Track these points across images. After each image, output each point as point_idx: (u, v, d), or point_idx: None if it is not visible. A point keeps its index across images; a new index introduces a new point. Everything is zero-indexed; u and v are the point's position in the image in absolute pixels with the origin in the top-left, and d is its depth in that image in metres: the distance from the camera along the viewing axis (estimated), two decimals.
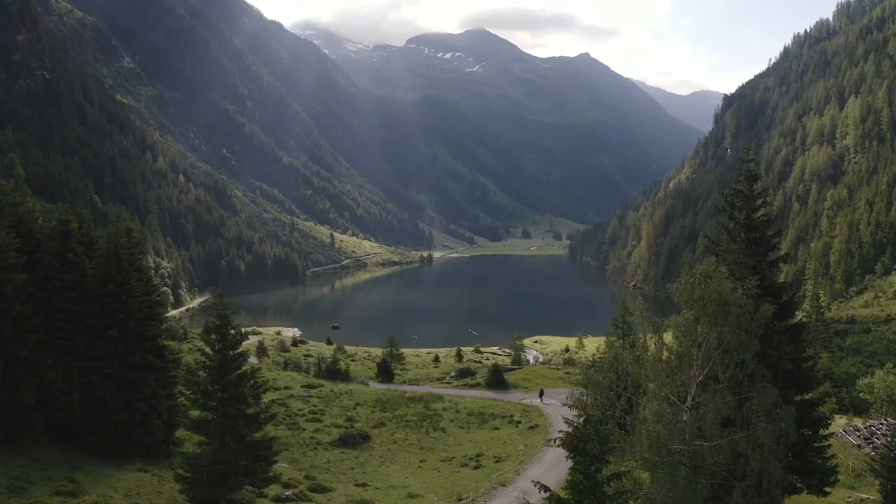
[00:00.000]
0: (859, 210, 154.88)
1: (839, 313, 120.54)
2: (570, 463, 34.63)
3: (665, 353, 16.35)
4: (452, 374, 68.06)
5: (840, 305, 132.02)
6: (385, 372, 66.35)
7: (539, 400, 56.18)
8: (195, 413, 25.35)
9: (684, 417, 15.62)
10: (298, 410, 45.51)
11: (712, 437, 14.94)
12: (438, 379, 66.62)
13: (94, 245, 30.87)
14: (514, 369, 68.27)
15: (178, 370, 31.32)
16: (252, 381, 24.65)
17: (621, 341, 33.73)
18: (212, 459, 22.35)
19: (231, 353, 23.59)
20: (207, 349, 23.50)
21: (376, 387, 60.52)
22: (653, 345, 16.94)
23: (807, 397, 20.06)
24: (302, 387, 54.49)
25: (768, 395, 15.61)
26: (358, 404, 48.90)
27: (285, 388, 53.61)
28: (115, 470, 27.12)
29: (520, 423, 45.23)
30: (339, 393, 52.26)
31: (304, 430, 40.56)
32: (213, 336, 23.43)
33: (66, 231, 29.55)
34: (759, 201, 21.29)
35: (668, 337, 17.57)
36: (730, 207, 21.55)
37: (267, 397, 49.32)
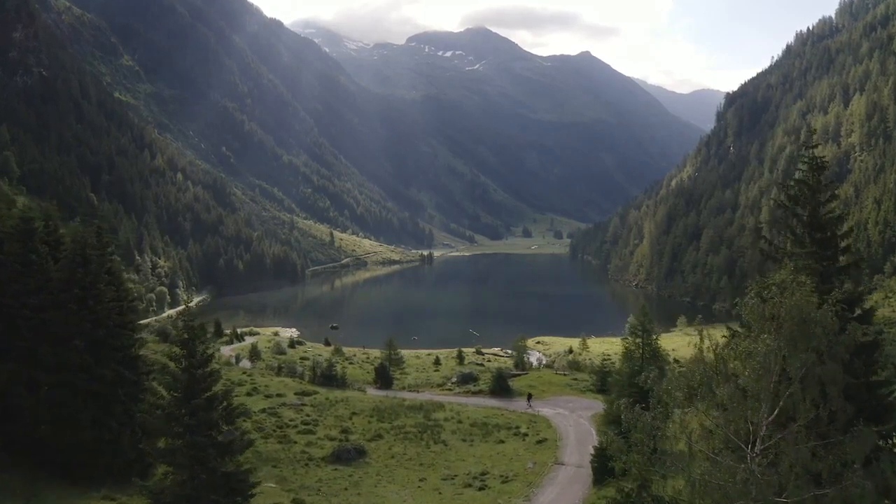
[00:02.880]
0: (867, 209, 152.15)
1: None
2: (583, 486, 32.06)
3: (729, 386, 13.40)
4: (454, 379, 65.08)
5: None
6: (383, 377, 63.52)
7: (528, 405, 53.91)
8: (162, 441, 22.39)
9: (752, 467, 12.71)
10: (290, 421, 42.60)
11: (794, 494, 11.97)
12: (439, 385, 63.59)
13: (62, 245, 28.18)
14: (519, 375, 65.29)
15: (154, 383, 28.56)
16: (224, 404, 21.80)
17: (641, 350, 31.04)
18: (177, 495, 19.61)
19: (200, 371, 20.76)
20: (173, 367, 20.69)
21: (374, 393, 57.60)
22: (717, 376, 13.93)
23: (877, 429, 17.11)
24: (295, 394, 51.63)
25: (865, 441, 12.65)
26: (354, 413, 46.01)
27: (278, 395, 50.74)
28: (77, 497, 24.36)
29: (527, 435, 42.17)
30: (334, 401, 49.40)
31: (295, 443, 37.66)
32: (180, 351, 20.64)
33: (29, 230, 26.83)
34: (827, 194, 18.31)
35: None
36: (791, 202, 18.55)
37: (258, 405, 46.71)
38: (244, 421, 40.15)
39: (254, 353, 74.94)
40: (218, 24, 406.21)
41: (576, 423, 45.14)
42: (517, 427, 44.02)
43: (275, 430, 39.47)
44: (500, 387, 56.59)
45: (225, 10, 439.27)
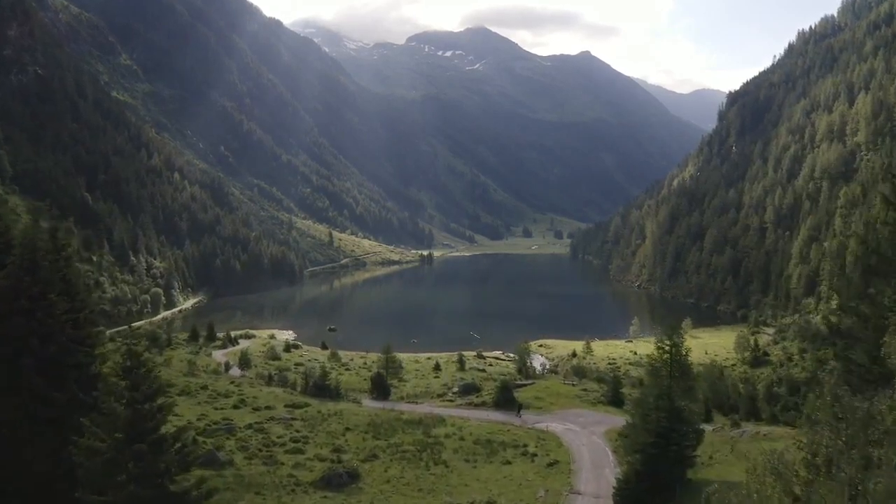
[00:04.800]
0: (875, 208, 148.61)
1: None
2: None
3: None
4: (455, 389, 61.57)
5: None
6: (380, 387, 60.03)
7: (518, 416, 50.71)
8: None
9: None
10: (278, 438, 38.94)
11: None
12: (440, 395, 60.08)
13: (12, 250, 24.79)
14: (525, 385, 61.57)
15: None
16: (178, 445, 18.38)
17: (668, 368, 27.74)
18: None
19: (147, 406, 17.30)
20: (112, 401, 17.11)
21: (370, 405, 54.13)
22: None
23: None
24: (285, 406, 48.17)
25: None
26: (347, 429, 42.44)
27: (266, 408, 47.26)
28: None
29: (535, 456, 38.44)
30: (326, 414, 45.92)
31: (282, 464, 34.07)
32: (122, 382, 17.19)
33: None
34: None
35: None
36: None
37: (244, 419, 43.47)
38: (227, 438, 37.00)
39: (244, 361, 71.35)
40: (217, 24, 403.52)
41: (589, 441, 41.57)
42: (524, 445, 40.32)
43: (260, 450, 35.98)
44: (505, 399, 52.96)
45: (224, 10, 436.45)
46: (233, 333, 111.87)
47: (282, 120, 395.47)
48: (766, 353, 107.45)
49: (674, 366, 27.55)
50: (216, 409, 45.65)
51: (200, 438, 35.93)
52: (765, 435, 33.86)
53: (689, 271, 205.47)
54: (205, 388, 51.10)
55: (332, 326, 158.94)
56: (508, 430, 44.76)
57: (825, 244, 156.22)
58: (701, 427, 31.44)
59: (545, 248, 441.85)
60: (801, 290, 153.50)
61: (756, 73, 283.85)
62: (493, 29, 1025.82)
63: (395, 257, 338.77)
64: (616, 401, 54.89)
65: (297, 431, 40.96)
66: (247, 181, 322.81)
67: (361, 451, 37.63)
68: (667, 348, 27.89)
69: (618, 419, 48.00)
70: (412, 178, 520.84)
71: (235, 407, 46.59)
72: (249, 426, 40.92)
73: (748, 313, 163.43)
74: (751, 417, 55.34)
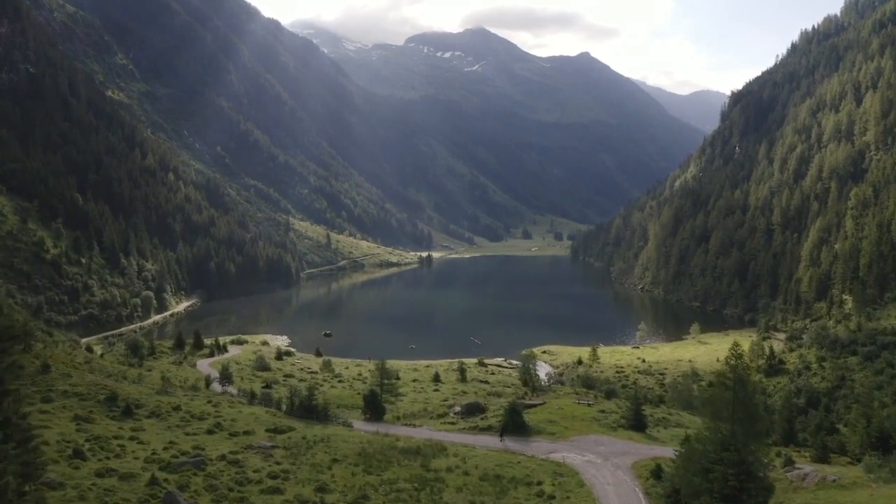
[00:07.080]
0: (888, 210, 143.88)
1: (881, 323, 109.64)
2: None
3: None
4: (457, 409, 56.05)
5: (877, 313, 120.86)
6: (373, 407, 54.56)
7: (501, 440, 46.34)
8: None
9: None
10: (255, 473, 33.39)
11: None
12: (440, 416, 54.62)
13: None
14: (534, 405, 55.58)
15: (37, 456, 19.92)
16: None
17: (731, 408, 22.60)
18: None
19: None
20: None
21: (362, 428, 48.65)
22: None
23: None
24: (267, 430, 42.72)
25: None
26: (335, 460, 36.96)
27: (245, 432, 41.73)
28: None
29: (553, 498, 33.01)
30: (312, 441, 40.51)
31: None
32: None
33: None
34: None
35: None
36: None
37: (217, 448, 38.25)
38: (194, 475, 31.84)
39: (225, 376, 65.65)
40: (215, 24, 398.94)
41: (614, 478, 35.92)
42: (539, 483, 34.73)
43: (231, 489, 30.65)
44: (514, 423, 47.37)
45: (223, 10, 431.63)
46: (222, 340, 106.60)
47: (280, 121, 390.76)
48: (781, 361, 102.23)
49: (738, 406, 22.42)
50: (188, 434, 40.27)
51: (162, 475, 30.78)
52: (834, 480, 28.78)
53: (693, 274, 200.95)
54: (178, 408, 45.73)
55: (328, 331, 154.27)
56: (519, 462, 39.17)
57: (836, 246, 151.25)
58: (771, 480, 26.20)
59: (545, 250, 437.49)
60: (812, 294, 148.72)
61: (758, 74, 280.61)
62: (493, 30, 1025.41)
63: (394, 259, 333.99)
64: (638, 424, 49.48)
65: (278, 464, 35.66)
66: (244, 182, 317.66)
67: (349, 489, 32.42)
68: (729, 384, 22.72)
69: (643, 448, 42.80)
70: (411, 179, 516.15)
71: (210, 432, 41.15)
72: (223, 457, 35.57)
73: (756, 317, 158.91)
74: (789, 443, 50.28)
